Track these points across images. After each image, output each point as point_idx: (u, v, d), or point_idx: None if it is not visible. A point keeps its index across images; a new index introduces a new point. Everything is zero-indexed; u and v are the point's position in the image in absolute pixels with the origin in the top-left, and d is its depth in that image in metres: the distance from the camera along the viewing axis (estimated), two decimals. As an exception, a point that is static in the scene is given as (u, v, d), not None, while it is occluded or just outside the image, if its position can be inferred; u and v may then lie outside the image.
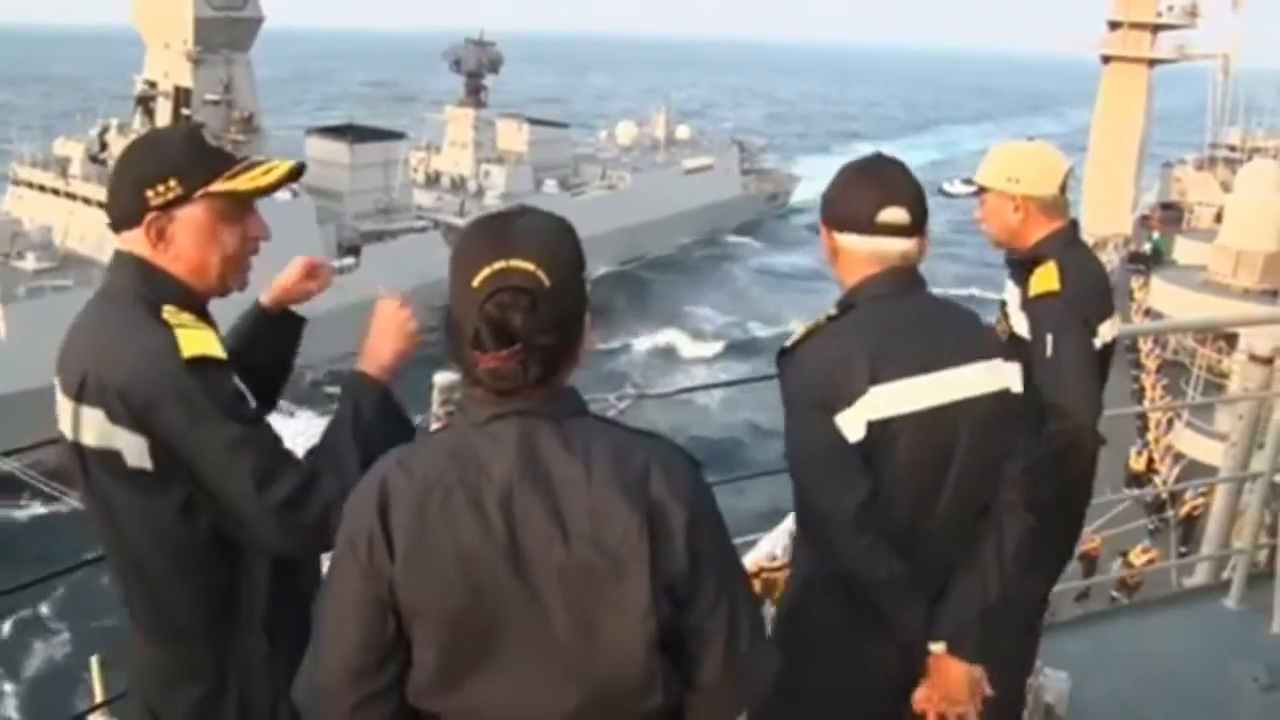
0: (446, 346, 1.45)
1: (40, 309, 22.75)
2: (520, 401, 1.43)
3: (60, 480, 18.68)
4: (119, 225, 1.80)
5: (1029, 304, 2.54)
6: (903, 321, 2.05)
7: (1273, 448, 4.24)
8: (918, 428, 1.99)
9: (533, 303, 1.37)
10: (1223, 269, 22.66)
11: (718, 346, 35.36)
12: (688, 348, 34.94)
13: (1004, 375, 2.08)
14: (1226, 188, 30.04)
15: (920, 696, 2.10)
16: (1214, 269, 23.02)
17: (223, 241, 1.81)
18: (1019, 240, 2.67)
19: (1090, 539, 12.81)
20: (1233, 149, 36.20)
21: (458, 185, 40.66)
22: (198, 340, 1.70)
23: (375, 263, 31.39)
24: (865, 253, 2.08)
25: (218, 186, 1.78)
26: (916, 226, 2.07)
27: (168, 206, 1.76)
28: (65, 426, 1.76)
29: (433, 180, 41.08)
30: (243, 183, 1.80)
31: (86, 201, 27.97)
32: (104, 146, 30.17)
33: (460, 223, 31.96)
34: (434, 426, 2.52)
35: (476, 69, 42.12)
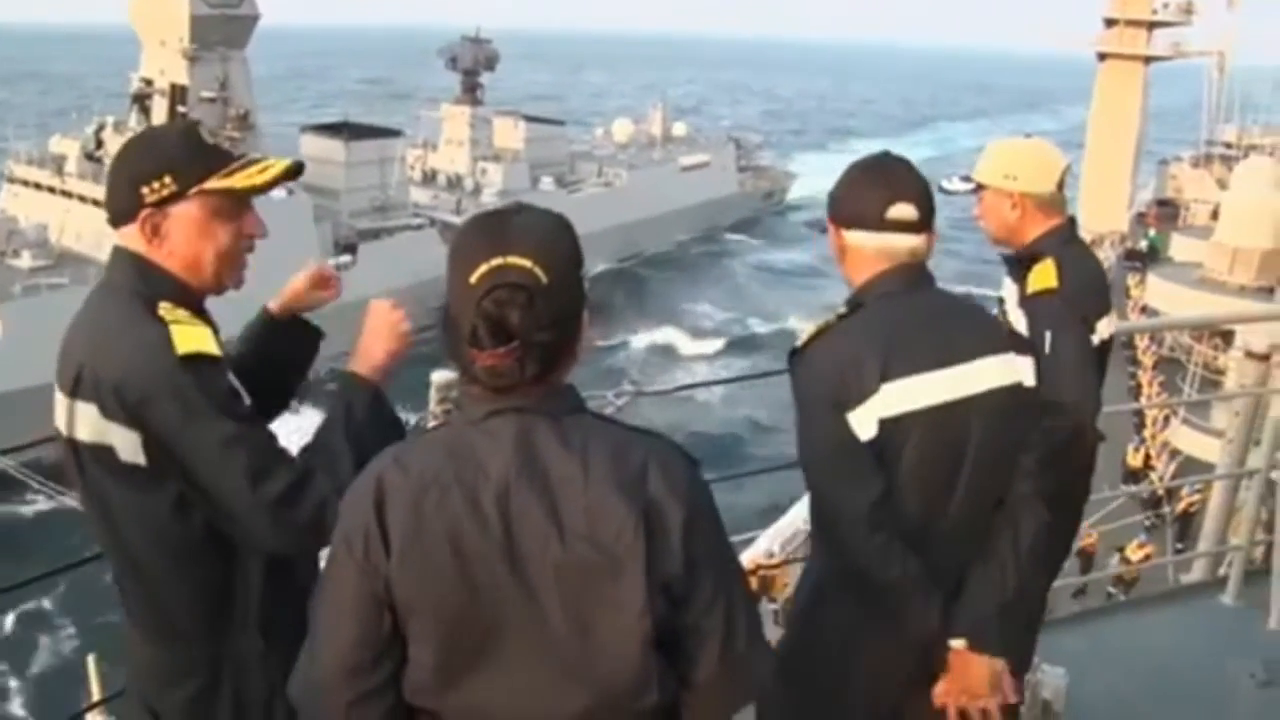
0: (444, 344, 1.45)
1: (36, 307, 22.71)
2: (518, 399, 1.43)
3: (57, 479, 18.68)
4: (116, 221, 1.81)
5: (1027, 301, 2.54)
6: (913, 318, 2.05)
7: (1269, 444, 4.24)
8: (930, 424, 1.99)
9: (530, 299, 1.37)
10: (1219, 266, 22.71)
11: (717, 343, 35.39)
12: (687, 344, 34.95)
13: (1017, 369, 2.08)
14: (1222, 185, 30.10)
15: (941, 691, 2.10)
16: (1210, 266, 23.07)
17: (218, 238, 1.81)
18: (1017, 237, 2.67)
19: (1087, 535, 12.84)
20: (1229, 146, 36.26)
21: (454, 183, 40.64)
22: (192, 337, 1.70)
23: (372, 261, 31.37)
24: (874, 250, 2.08)
25: (213, 184, 1.78)
26: (925, 223, 2.08)
27: (163, 203, 1.76)
28: (60, 422, 1.77)
29: (429, 178, 41.06)
30: (239, 180, 1.80)
31: (82, 199, 27.92)
32: (100, 144, 30.12)
33: (457, 220, 31.95)
34: (431, 424, 2.52)
35: (473, 66, 42.06)
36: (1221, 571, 4.68)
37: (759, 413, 26.69)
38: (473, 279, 1.38)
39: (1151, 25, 38.01)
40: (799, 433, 2.09)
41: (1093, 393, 2.42)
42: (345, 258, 31.44)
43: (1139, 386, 20.90)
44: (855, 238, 2.11)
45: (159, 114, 31.23)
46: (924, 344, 2.01)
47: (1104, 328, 2.61)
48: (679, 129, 53.73)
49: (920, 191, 2.08)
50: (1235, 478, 4.49)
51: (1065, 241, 2.63)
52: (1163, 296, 23.27)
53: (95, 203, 26.53)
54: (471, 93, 42.03)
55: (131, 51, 33.11)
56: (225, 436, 1.68)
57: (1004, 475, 2.08)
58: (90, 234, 26.38)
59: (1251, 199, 22.61)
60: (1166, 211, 33.84)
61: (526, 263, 1.38)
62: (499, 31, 48.24)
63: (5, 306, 23.74)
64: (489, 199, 36.45)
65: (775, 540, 15.70)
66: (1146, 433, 19.13)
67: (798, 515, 16.72)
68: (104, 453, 1.71)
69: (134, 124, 30.55)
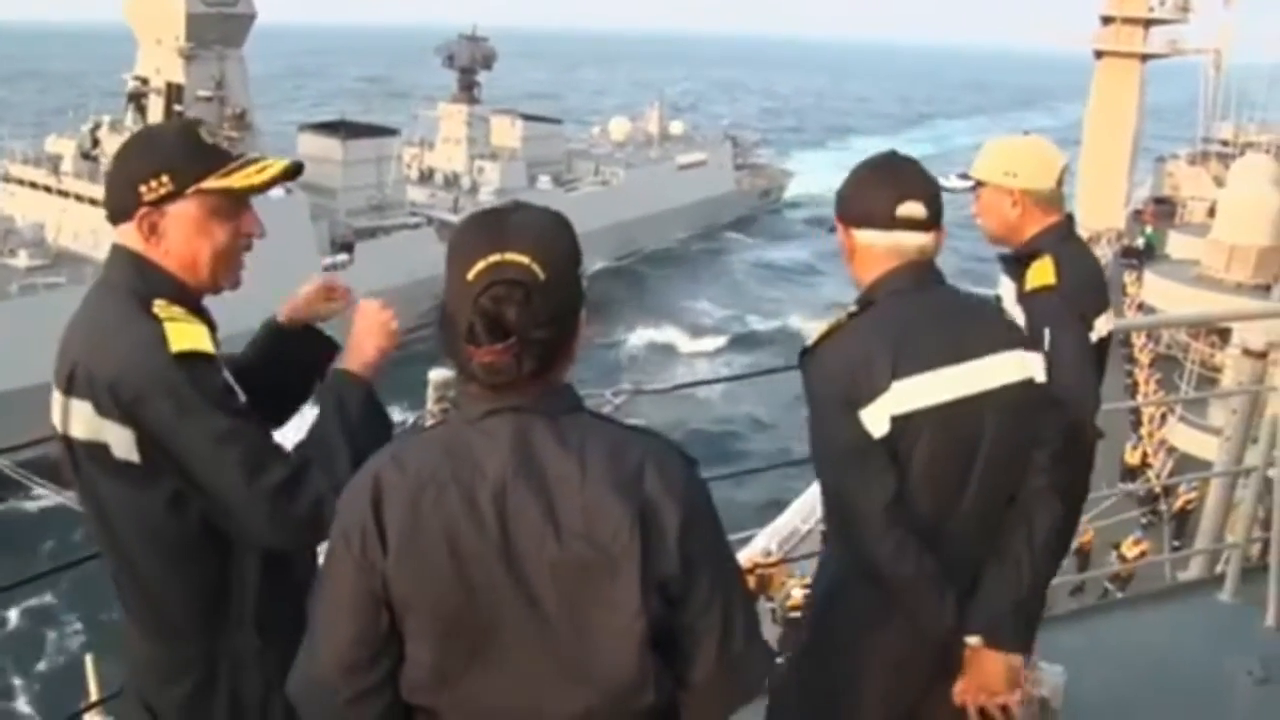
0: (441, 342, 1.45)
1: (33, 307, 22.68)
2: (515, 397, 1.42)
3: (56, 479, 18.65)
4: (114, 219, 1.81)
5: (1025, 298, 2.54)
6: (924, 315, 2.06)
7: (1266, 442, 4.24)
8: (942, 420, 2.00)
9: (527, 296, 1.37)
10: (1216, 263, 22.73)
11: (716, 340, 35.43)
12: (686, 342, 34.97)
13: (1028, 365, 2.09)
14: (1219, 182, 30.14)
15: (959, 689, 2.11)
16: (1207, 263, 23.09)
17: (215, 237, 1.81)
18: (1015, 235, 2.67)
19: (1084, 532, 12.85)
20: (1225, 143, 36.31)
21: (451, 181, 40.61)
22: (186, 334, 1.70)
23: (369, 259, 31.35)
24: (884, 249, 2.09)
25: (210, 183, 1.78)
26: (933, 221, 2.09)
27: (160, 202, 1.76)
28: (56, 419, 1.77)
29: (426, 176, 41.02)
30: (236, 180, 1.80)
31: (79, 199, 27.88)
32: (96, 143, 30.08)
33: (454, 219, 31.94)
34: (429, 423, 2.52)
35: (470, 65, 42.01)
36: (1219, 569, 4.68)
37: (759, 410, 26.70)
38: (470, 275, 1.38)
39: (1148, 23, 38.04)
40: (811, 431, 2.09)
41: (1091, 390, 2.42)
42: (342, 256, 31.44)
43: (1136, 384, 20.92)
44: (865, 237, 2.11)
45: (155, 113, 31.18)
46: (935, 341, 2.02)
47: (1102, 325, 2.61)
48: (676, 127, 53.71)
49: (929, 190, 2.09)
50: (1232, 475, 4.49)
51: (1063, 238, 2.63)
52: (1159, 294, 23.29)
53: (92, 202, 26.50)
54: (468, 91, 41.98)
55: (131, 50, 33.06)
56: (219, 432, 1.68)
57: (1017, 471, 2.08)
58: (87, 233, 26.37)
59: (1248, 196, 22.64)
60: (1163, 209, 33.88)
61: (524, 259, 1.37)
62: (496, 30, 48.22)
63: (2, 306, 23.72)
64: (486, 197, 36.40)
65: (773, 539, 15.72)
66: (1144, 430, 19.15)
67: (796, 514, 16.75)
68: (98, 450, 1.72)
69: (130, 123, 30.49)
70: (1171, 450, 17.93)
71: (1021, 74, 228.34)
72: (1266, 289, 21.28)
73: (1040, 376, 2.10)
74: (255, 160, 1.85)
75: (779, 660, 2.44)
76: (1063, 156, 2.71)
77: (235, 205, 1.83)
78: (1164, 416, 19.08)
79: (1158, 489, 15.69)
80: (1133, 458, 17.88)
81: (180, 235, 1.78)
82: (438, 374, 2.74)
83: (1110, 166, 37.12)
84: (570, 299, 1.43)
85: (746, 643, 1.48)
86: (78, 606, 16.94)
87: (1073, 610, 4.65)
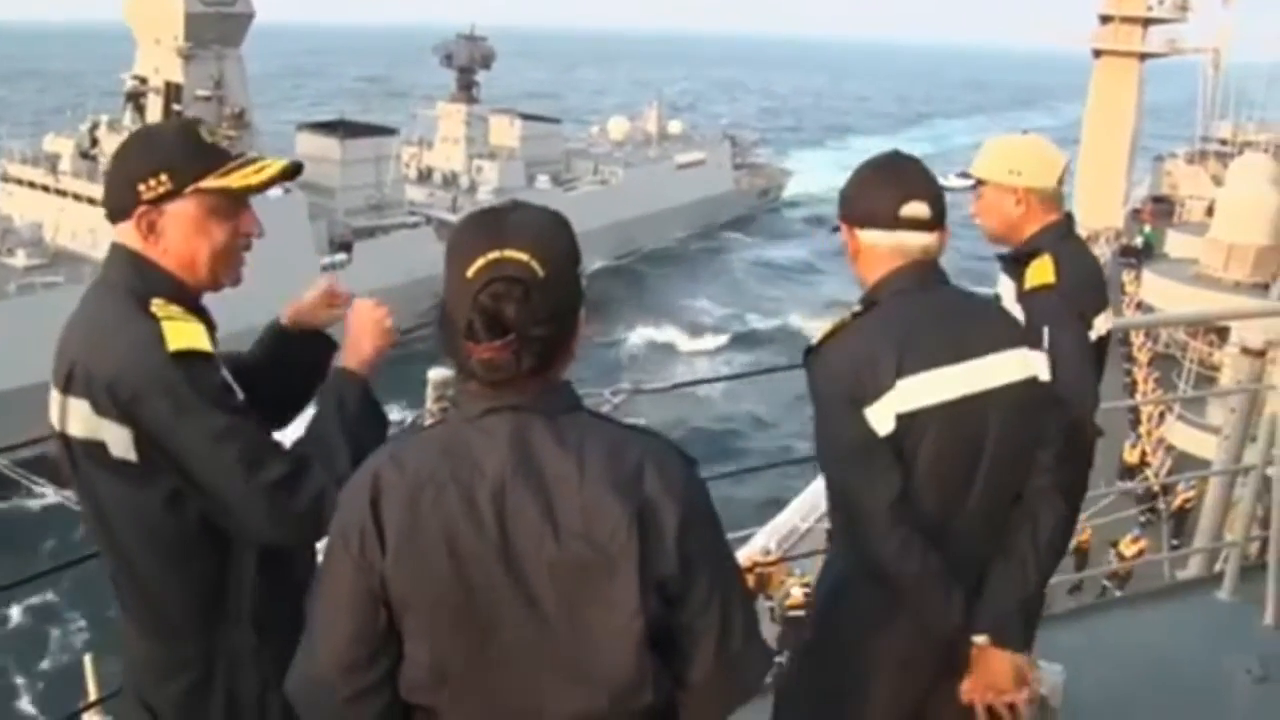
0: (440, 340, 1.45)
1: (31, 306, 22.67)
2: (513, 396, 1.43)
3: (53, 478, 18.65)
4: (113, 217, 1.81)
5: (1024, 297, 2.54)
6: (928, 314, 2.06)
7: (1265, 440, 4.25)
8: (947, 419, 2.00)
9: (526, 293, 1.37)
10: (1214, 262, 22.74)
11: (717, 339, 35.46)
12: (686, 340, 34.98)
13: (1032, 364, 2.10)
14: (1218, 181, 30.16)
15: (966, 688, 2.12)
16: (1205, 262, 23.10)
17: (214, 237, 1.81)
18: (1016, 234, 2.67)
19: (1082, 530, 12.86)
20: (1224, 142, 36.35)
21: (450, 181, 40.60)
22: (184, 333, 1.70)
23: (367, 259, 31.35)
24: (888, 249, 2.10)
25: (209, 183, 1.78)
26: (937, 221, 2.09)
27: (158, 201, 1.76)
28: (53, 417, 1.77)
29: (425, 176, 41.00)
30: (234, 180, 1.80)
31: (77, 198, 27.85)
32: (94, 143, 30.05)
33: (452, 218, 31.91)
34: (428, 422, 2.51)
35: (468, 64, 41.97)
36: (1217, 567, 4.69)
37: (759, 408, 26.70)
38: (469, 273, 1.38)
39: (1147, 22, 38.06)
40: (817, 430, 2.10)
41: (1091, 388, 2.43)
42: (340, 256, 31.42)
43: (1134, 383, 20.95)
44: (869, 237, 2.12)
45: (154, 112, 31.16)
46: (939, 339, 2.02)
47: (1101, 323, 2.62)
48: (675, 127, 53.74)
49: (932, 190, 2.10)
50: (1231, 474, 4.49)
51: (1062, 237, 2.63)
52: (1158, 293, 23.31)
53: (90, 201, 26.48)
54: (467, 90, 41.96)
55: (129, 49, 33.05)
56: (217, 430, 1.68)
57: (1022, 470, 2.09)
58: (85, 233, 26.36)
59: (1246, 195, 22.65)
60: (1162, 208, 33.92)
61: (523, 256, 1.38)
62: (494, 29, 48.22)
63: (0, 305, 23.70)
64: (484, 197, 36.38)
65: (772, 537, 15.72)
66: (1142, 429, 19.16)
67: (795, 512, 16.75)
68: (96, 448, 1.72)
69: (129, 122, 30.48)
70: (1170, 449, 17.95)
71: (1020, 73, 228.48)
72: (1265, 287, 21.28)
73: (1044, 375, 2.11)
74: (254, 160, 1.85)
75: (783, 659, 2.44)
76: (1063, 156, 2.71)
77: (234, 205, 1.83)
78: (1162, 415, 19.10)
79: (1156, 488, 15.70)
80: (1131, 456, 17.91)
81: (179, 234, 1.78)
82: (437, 373, 2.74)
83: (1109, 165, 37.13)
84: (569, 297, 1.44)
85: (745, 642, 1.48)
86: (78, 605, 16.94)
87: (1071, 609, 4.65)
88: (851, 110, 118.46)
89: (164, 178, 1.75)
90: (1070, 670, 3.14)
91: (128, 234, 1.79)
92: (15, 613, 17.50)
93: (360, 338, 1.94)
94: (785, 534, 15.92)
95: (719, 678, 1.47)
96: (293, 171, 1.90)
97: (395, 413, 2.08)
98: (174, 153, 1.77)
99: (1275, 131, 35.31)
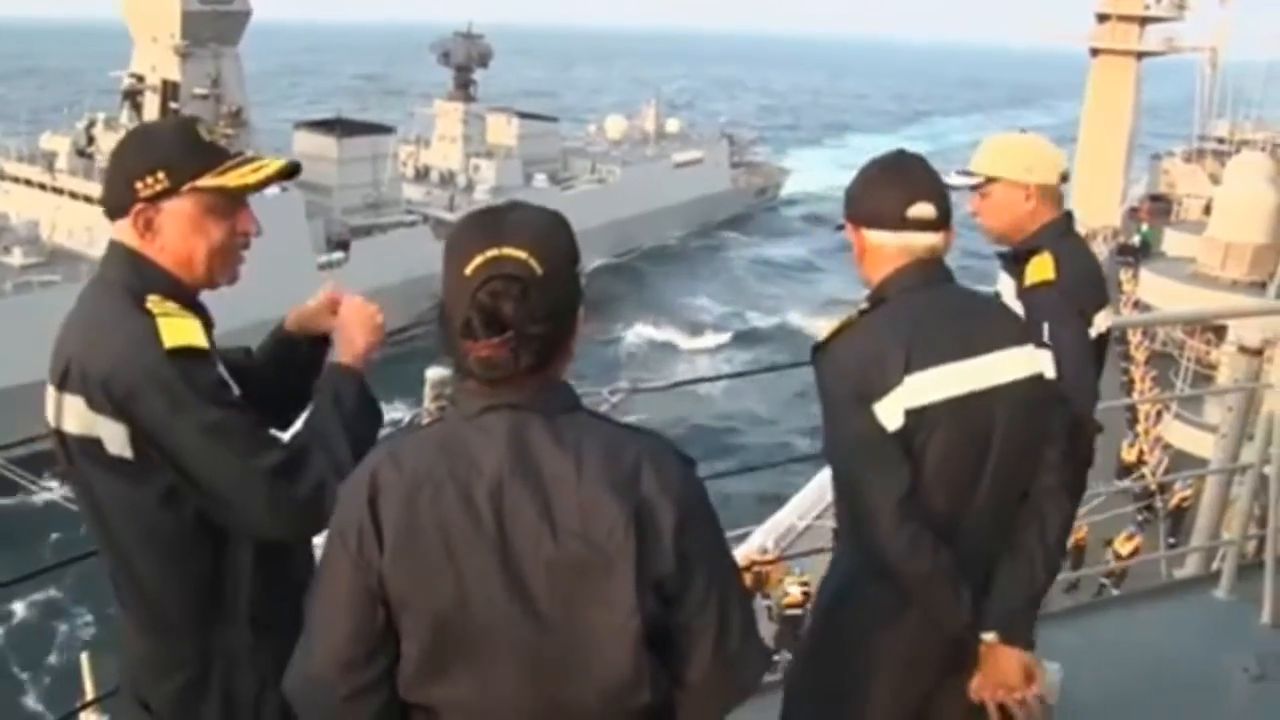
0: (439, 338, 1.45)
1: (27, 304, 22.65)
2: (511, 394, 1.43)
3: (54, 475, 18.63)
4: (111, 214, 1.81)
5: (1024, 294, 2.54)
6: (934, 311, 2.07)
7: (1262, 439, 4.25)
8: (955, 415, 2.00)
9: (524, 291, 1.37)
10: (1211, 261, 22.77)
11: (717, 337, 35.49)
12: (686, 339, 34.98)
13: (1038, 361, 2.10)
14: (1215, 180, 30.16)
15: (976, 687, 2.12)
16: (1203, 261, 23.13)
17: (211, 235, 1.81)
18: (1021, 231, 2.66)
19: (1079, 528, 12.88)
20: (1221, 141, 36.35)
21: (447, 179, 40.58)
22: (180, 330, 1.70)
23: (364, 257, 31.33)
24: (894, 249, 2.10)
25: (206, 182, 1.78)
26: (943, 220, 2.10)
27: (155, 198, 1.76)
28: (49, 414, 1.77)
29: (422, 174, 40.99)
30: (231, 179, 1.79)
31: (73, 196, 27.81)
32: (91, 141, 30.00)
33: (450, 217, 31.94)
34: (426, 421, 2.52)
35: (465, 62, 41.94)
36: (1215, 566, 4.69)
37: (759, 406, 26.68)
38: (468, 270, 1.38)
39: (1144, 20, 38.11)
40: (825, 427, 2.10)
41: (1091, 385, 2.43)
42: (338, 254, 31.40)
43: (1132, 381, 20.97)
44: (875, 237, 2.12)
45: (151, 110, 31.13)
46: (946, 336, 2.03)
47: (1101, 321, 2.62)
48: (672, 125, 53.72)
49: (938, 190, 2.10)
50: (1228, 472, 4.50)
51: (1062, 234, 2.64)
52: (1155, 291, 23.33)
53: (87, 199, 26.44)
54: (464, 89, 41.93)
55: (127, 47, 33.01)
56: (212, 424, 1.68)
57: (1029, 467, 2.09)
58: (82, 231, 26.31)
59: (1244, 194, 22.67)
60: (1159, 206, 33.92)
61: (522, 254, 1.38)
62: (492, 27, 48.17)
63: (-3, 304, 23.69)
64: (482, 195, 36.38)
65: (770, 536, 15.72)
66: (1139, 428, 19.19)
67: (793, 511, 16.75)
68: (91, 445, 1.72)
69: (125, 120, 30.45)
70: (1167, 447, 17.97)
71: (1018, 71, 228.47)
72: (1262, 286, 21.30)
73: (1050, 372, 2.11)
74: (252, 159, 1.85)
75: (787, 658, 2.44)
76: (1062, 154, 2.73)
77: (231, 203, 1.83)
78: (1159, 414, 19.11)
79: (1153, 486, 15.72)
80: (1129, 455, 17.93)
81: (175, 232, 1.78)
82: (435, 372, 2.74)
83: (1106, 164, 37.19)
84: (568, 296, 1.44)
85: (743, 641, 1.48)
86: (79, 603, 16.94)
87: (1068, 608, 4.65)
88: (850, 108, 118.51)
89: (161, 176, 1.75)
90: (1067, 669, 3.14)
91: (125, 232, 1.79)
92: (19, 609, 17.49)
93: (353, 334, 1.95)
94: (783, 532, 15.92)
95: (716, 677, 1.47)
96: (290, 171, 1.90)
97: (393, 411, 2.08)
98: (172, 151, 1.77)
99: (1272, 130, 35.35)
